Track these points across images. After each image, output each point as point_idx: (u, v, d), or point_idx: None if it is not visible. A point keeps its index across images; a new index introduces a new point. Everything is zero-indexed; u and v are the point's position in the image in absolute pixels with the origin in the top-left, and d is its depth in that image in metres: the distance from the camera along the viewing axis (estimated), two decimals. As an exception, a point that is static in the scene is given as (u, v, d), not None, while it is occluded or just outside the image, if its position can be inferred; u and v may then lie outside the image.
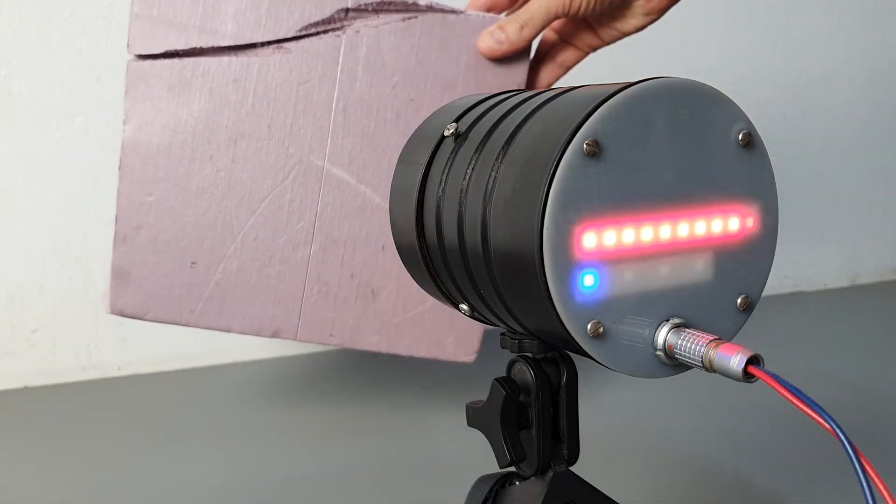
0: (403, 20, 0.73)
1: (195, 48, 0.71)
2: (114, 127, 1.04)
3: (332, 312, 0.76)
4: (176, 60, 0.71)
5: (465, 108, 0.45)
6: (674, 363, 0.36)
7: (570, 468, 0.43)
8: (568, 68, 0.80)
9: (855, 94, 1.41)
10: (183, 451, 0.84)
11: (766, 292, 0.39)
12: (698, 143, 0.36)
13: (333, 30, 0.72)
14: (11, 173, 1.03)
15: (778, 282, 1.39)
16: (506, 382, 0.42)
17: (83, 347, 1.07)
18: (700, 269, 0.37)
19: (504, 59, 0.74)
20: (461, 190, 0.39)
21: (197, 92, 0.72)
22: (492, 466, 0.44)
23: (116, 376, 1.08)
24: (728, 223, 0.37)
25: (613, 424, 0.86)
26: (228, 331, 0.75)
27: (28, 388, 1.04)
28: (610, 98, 0.34)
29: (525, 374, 0.42)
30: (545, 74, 0.79)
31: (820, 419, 0.30)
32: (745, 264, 0.38)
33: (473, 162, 0.39)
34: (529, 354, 0.42)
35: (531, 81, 0.78)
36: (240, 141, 0.72)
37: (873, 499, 0.29)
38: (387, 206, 0.69)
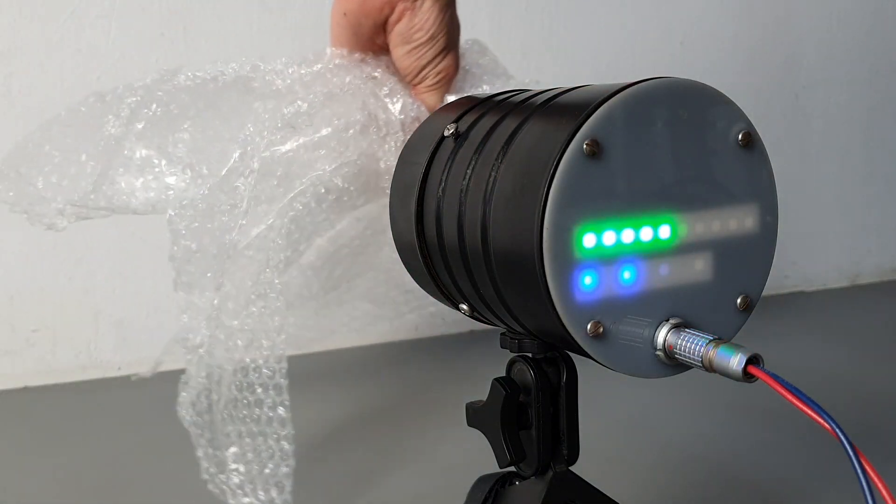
0: None
1: None
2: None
3: None
4: None
5: (465, 108, 0.45)
6: (674, 363, 0.36)
7: (570, 468, 0.43)
8: None
9: (855, 94, 1.41)
10: (183, 451, 0.84)
11: (766, 292, 0.39)
12: (698, 143, 0.36)
13: None
14: (11, 173, 1.03)
15: (778, 282, 1.40)
16: (506, 382, 0.42)
17: (83, 347, 1.07)
18: (700, 269, 0.37)
19: None
20: (461, 190, 0.39)
21: None
22: (492, 466, 0.44)
23: (116, 376, 1.08)
24: (728, 223, 0.37)
25: (613, 424, 0.86)
26: None
27: (28, 388, 1.04)
28: (610, 98, 0.34)
29: (525, 374, 0.42)
30: None
31: (820, 419, 0.30)
32: (744, 264, 0.38)
33: (473, 162, 0.39)
34: (529, 354, 0.42)
35: None
36: None
37: (873, 499, 0.29)
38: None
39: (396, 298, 0.77)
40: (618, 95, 0.34)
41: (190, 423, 0.62)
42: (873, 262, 1.46)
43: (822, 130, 1.40)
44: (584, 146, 0.33)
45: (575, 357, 0.40)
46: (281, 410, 0.59)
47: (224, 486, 0.60)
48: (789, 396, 0.31)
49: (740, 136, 0.37)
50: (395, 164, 0.52)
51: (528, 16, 1.21)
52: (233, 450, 0.60)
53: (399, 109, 0.56)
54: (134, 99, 0.56)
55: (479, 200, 0.38)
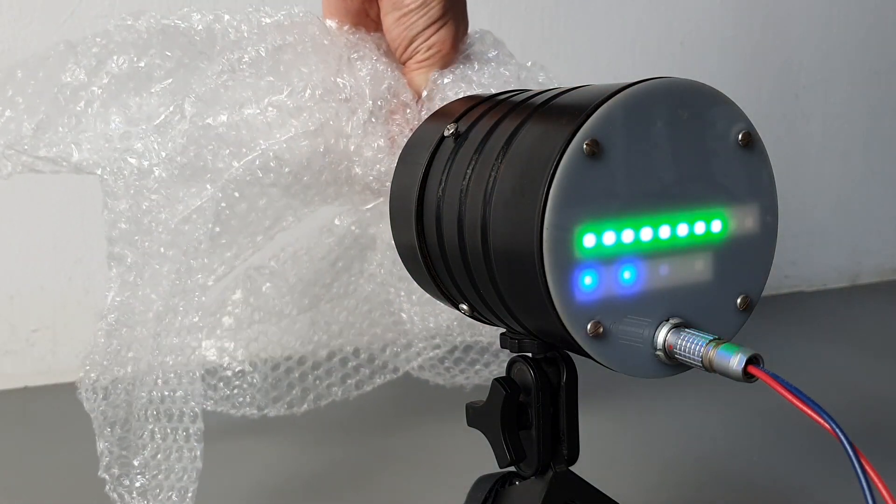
0: None
1: None
2: (114, 127, 1.04)
3: None
4: None
5: (465, 108, 0.45)
6: (674, 363, 0.36)
7: (570, 468, 0.43)
8: None
9: (855, 94, 1.41)
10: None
11: (766, 292, 0.39)
12: (698, 143, 0.36)
13: None
14: (11, 173, 1.03)
15: (778, 282, 1.39)
16: (506, 382, 0.42)
17: (83, 347, 1.07)
18: (700, 269, 0.37)
19: None
20: (461, 190, 0.39)
21: None
22: (492, 466, 0.44)
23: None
24: (728, 223, 0.37)
25: (613, 424, 0.86)
26: None
27: (28, 388, 1.04)
28: (610, 98, 0.34)
29: (525, 374, 0.42)
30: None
31: (820, 419, 0.30)
32: (744, 264, 0.38)
33: (473, 162, 0.39)
34: (529, 354, 0.42)
35: None
36: None
37: (873, 499, 0.29)
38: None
39: (384, 336, 0.74)
40: (618, 95, 0.34)
41: (93, 408, 0.56)
42: (873, 262, 1.46)
43: (822, 130, 1.40)
44: (584, 146, 0.33)
45: (575, 357, 0.40)
46: (192, 403, 0.53)
47: (123, 492, 0.54)
48: (789, 396, 0.31)
49: (740, 136, 0.37)
50: (366, 145, 0.49)
51: (528, 16, 1.21)
52: (145, 453, 0.54)
53: (368, 75, 0.49)
54: (96, 50, 0.52)
55: (479, 200, 0.38)
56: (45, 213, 1.04)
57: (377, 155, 0.50)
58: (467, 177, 0.39)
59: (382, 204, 0.58)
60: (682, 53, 1.31)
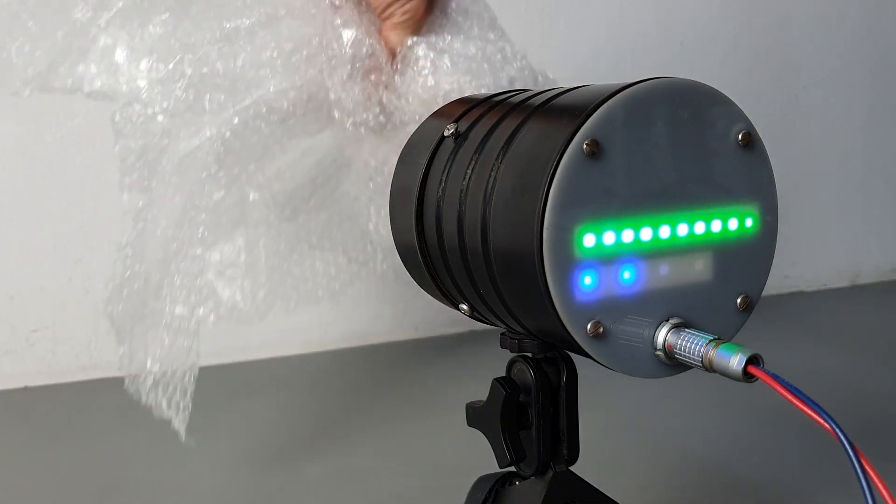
0: None
1: None
2: (114, 127, 1.04)
3: None
4: None
5: (465, 108, 0.45)
6: (674, 363, 0.36)
7: (570, 468, 0.43)
8: None
9: (855, 94, 1.41)
10: (182, 450, 0.84)
11: (766, 292, 0.39)
12: (698, 143, 0.36)
13: None
14: (12, 173, 1.03)
15: (778, 282, 1.39)
16: (506, 382, 0.42)
17: (83, 347, 1.07)
18: (700, 269, 0.37)
19: None
20: (461, 190, 0.39)
21: None
22: (492, 466, 0.44)
23: (116, 376, 1.08)
24: (728, 223, 0.37)
25: (613, 424, 0.86)
26: None
27: (28, 388, 1.04)
28: (610, 98, 0.34)
29: (525, 374, 0.42)
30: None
31: (820, 419, 0.30)
32: (744, 264, 0.38)
33: (473, 162, 0.39)
34: (529, 354, 0.42)
35: None
36: None
37: (873, 499, 0.29)
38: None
39: (356, 245, 0.78)
40: (618, 95, 0.34)
41: (114, 319, 0.65)
42: (873, 262, 1.46)
43: (822, 130, 1.40)
44: (584, 146, 0.33)
45: (575, 357, 0.40)
46: (193, 319, 0.61)
47: (139, 387, 0.63)
48: (789, 396, 0.31)
49: (740, 136, 0.37)
50: (345, 96, 0.54)
51: (527, 16, 1.21)
52: (156, 353, 0.63)
53: (349, 42, 0.55)
54: None
55: (479, 200, 0.38)
56: (45, 213, 1.04)
57: (355, 108, 0.56)
58: (467, 177, 0.39)
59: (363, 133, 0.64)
60: (682, 53, 1.31)
